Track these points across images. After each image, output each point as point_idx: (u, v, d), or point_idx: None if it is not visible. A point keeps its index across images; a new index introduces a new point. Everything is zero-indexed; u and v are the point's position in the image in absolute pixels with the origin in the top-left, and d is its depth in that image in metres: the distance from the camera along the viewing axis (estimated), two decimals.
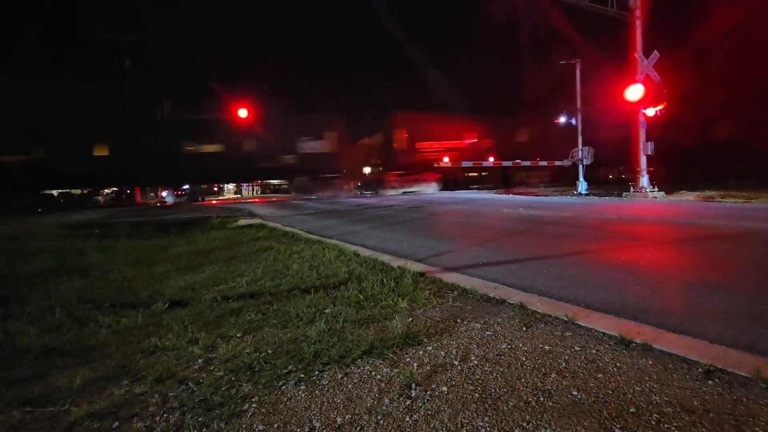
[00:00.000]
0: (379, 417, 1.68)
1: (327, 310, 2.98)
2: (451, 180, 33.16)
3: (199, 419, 1.72)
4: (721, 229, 6.61)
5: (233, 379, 2.05)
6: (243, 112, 16.36)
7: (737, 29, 24.08)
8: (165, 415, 1.77)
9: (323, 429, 1.63)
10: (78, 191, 33.92)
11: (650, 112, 15.04)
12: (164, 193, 35.51)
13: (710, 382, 1.83)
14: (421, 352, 2.27)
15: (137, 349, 2.49)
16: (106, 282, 4.38)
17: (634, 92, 14.86)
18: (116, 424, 1.73)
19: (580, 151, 19.91)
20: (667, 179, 17.99)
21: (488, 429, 1.57)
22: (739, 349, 2.15)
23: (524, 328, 2.55)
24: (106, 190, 36.14)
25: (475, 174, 35.76)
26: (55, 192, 32.72)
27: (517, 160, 30.49)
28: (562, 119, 20.99)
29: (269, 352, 2.34)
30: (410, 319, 2.78)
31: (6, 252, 6.73)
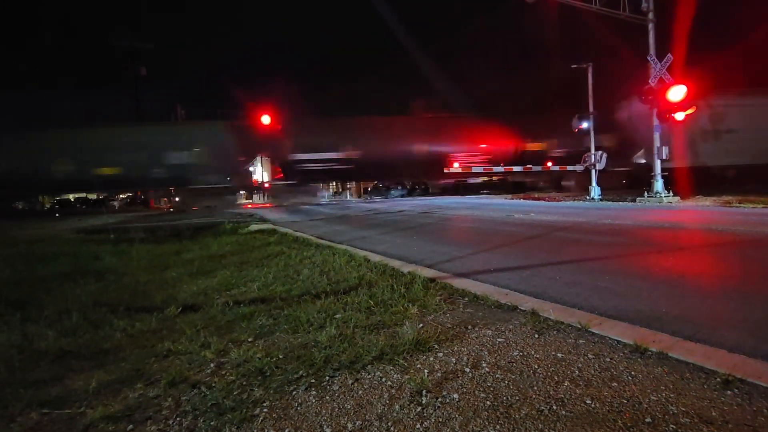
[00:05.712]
0: (389, 423, 1.68)
1: (337, 316, 2.98)
2: (461, 185, 32.85)
3: (212, 423, 1.73)
4: (739, 235, 6.46)
5: (245, 383, 2.06)
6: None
7: (754, 30, 23.72)
8: (178, 419, 1.79)
9: None
10: (94, 196, 34.27)
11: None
12: (177, 199, 35.85)
13: (729, 392, 1.78)
14: (431, 359, 2.26)
15: (151, 353, 2.52)
16: (121, 286, 4.45)
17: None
18: (131, 426, 1.75)
19: (593, 156, 19.69)
20: (682, 184, 17.66)
21: None
22: (759, 358, 2.09)
23: (536, 335, 2.52)
24: (121, 195, 36.54)
25: (485, 179, 35.21)
26: (71, 196, 33.07)
27: (528, 165, 30.16)
28: (575, 123, 20.72)
29: (280, 356, 2.35)
30: (421, 325, 2.77)
31: (24, 256, 6.88)
